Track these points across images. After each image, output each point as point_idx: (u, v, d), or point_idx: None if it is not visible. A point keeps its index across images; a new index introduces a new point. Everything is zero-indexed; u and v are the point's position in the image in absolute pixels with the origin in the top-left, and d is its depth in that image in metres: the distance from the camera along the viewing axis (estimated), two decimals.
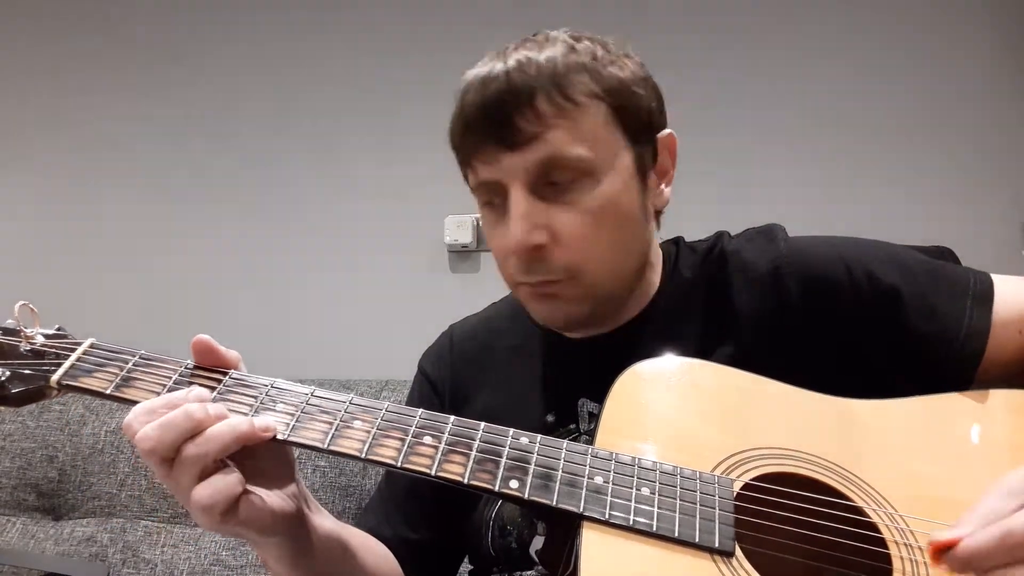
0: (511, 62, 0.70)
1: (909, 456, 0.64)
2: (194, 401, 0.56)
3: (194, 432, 0.54)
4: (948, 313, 0.72)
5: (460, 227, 1.91)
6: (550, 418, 0.79)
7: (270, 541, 0.61)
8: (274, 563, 0.65)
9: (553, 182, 0.70)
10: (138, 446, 0.55)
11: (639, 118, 0.73)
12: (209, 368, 0.63)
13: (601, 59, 0.72)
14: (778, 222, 0.82)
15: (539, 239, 0.69)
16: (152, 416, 0.55)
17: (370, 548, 0.78)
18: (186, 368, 0.62)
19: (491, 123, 0.69)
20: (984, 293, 0.73)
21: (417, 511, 0.84)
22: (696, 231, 0.89)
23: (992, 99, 1.81)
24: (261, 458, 0.61)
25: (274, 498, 0.60)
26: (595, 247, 0.71)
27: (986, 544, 0.50)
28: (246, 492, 0.57)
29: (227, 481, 0.55)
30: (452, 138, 0.75)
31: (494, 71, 0.70)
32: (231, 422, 0.56)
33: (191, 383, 0.61)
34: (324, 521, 0.68)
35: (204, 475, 0.55)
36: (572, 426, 0.78)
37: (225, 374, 0.62)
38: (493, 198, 0.73)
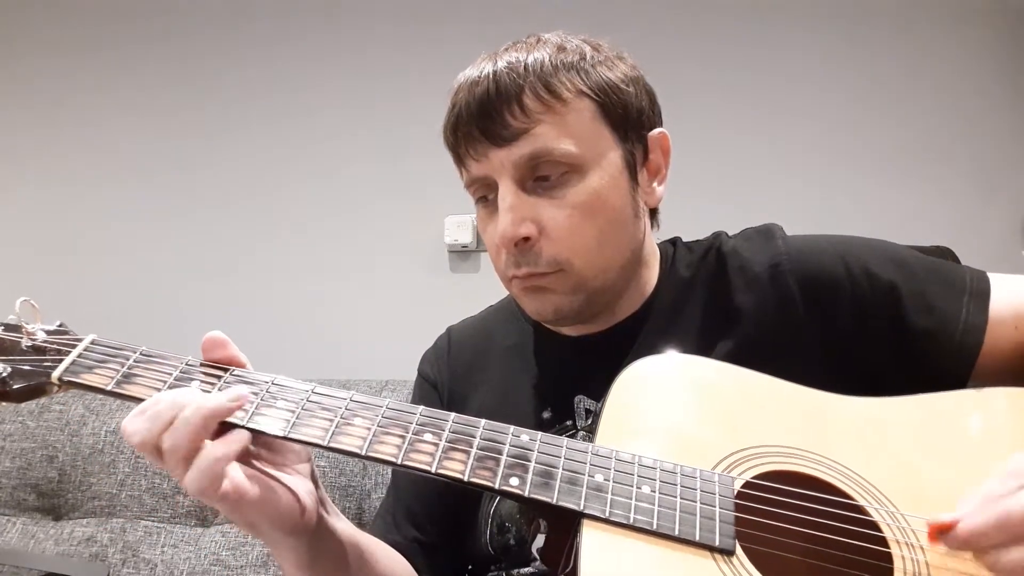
0: (501, 63, 0.72)
1: (911, 455, 0.64)
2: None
3: (171, 421, 0.54)
4: (946, 309, 0.73)
5: (460, 227, 1.91)
6: (546, 415, 0.79)
7: (287, 542, 0.61)
8: (292, 568, 0.64)
9: (541, 177, 0.72)
10: (128, 441, 0.55)
11: (628, 116, 0.75)
12: (210, 364, 0.62)
13: (590, 59, 0.74)
14: (777, 222, 0.83)
15: (526, 231, 0.71)
16: (143, 414, 0.55)
17: (386, 554, 0.78)
18: (187, 364, 0.62)
19: (480, 120, 0.72)
20: (981, 290, 0.74)
21: (425, 513, 0.84)
22: (694, 231, 0.89)
23: (992, 99, 1.81)
24: (277, 453, 0.61)
25: (289, 493, 0.59)
26: (581, 240, 0.72)
27: (984, 523, 0.51)
28: (270, 478, 0.57)
29: (205, 457, 0.53)
30: (445, 137, 0.77)
31: (484, 72, 0.72)
32: (197, 402, 0.55)
33: (192, 379, 0.60)
34: (343, 525, 0.68)
35: (188, 461, 0.54)
36: (568, 423, 0.78)
37: (225, 370, 0.62)
38: (486, 194, 0.76)
